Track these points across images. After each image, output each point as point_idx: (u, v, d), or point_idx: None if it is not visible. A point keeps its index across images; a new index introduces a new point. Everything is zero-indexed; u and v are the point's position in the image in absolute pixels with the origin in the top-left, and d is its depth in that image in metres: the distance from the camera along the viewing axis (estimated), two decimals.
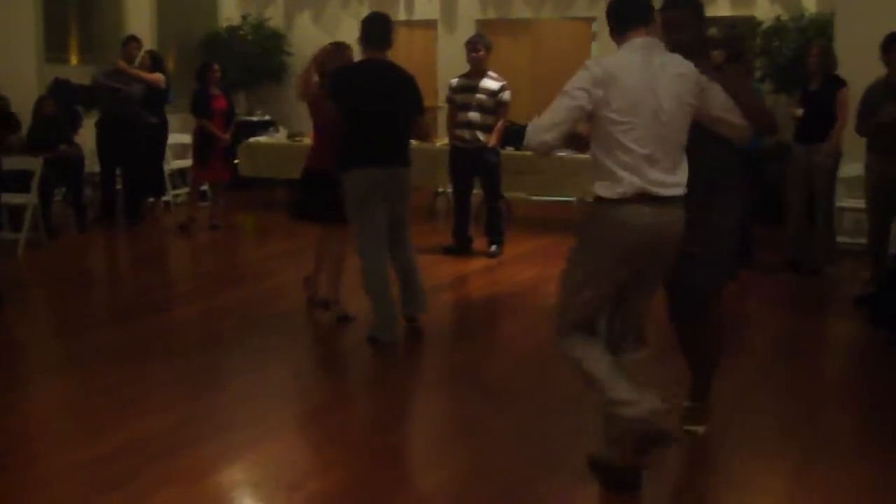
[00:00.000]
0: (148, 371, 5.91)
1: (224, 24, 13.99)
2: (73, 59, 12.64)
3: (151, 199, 11.45)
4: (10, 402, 5.43)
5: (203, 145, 10.48)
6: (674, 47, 4.26)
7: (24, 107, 10.24)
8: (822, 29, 10.56)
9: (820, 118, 8.27)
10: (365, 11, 13.54)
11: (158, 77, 11.02)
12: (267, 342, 6.56)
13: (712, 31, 11.81)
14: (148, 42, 12.29)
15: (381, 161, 6.34)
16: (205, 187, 11.11)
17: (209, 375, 5.89)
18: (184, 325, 7.08)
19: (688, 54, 4.23)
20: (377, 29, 6.45)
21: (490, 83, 9.07)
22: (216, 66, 10.71)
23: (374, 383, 6.01)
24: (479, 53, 9.10)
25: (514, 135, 10.11)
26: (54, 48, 12.01)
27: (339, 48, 7.01)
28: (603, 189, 4.06)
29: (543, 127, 4.04)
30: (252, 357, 6.28)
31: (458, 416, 5.37)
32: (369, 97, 6.35)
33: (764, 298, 7.91)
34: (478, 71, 9.11)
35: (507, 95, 9.09)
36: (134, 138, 10.75)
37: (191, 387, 5.63)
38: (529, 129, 4.08)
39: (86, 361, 6.10)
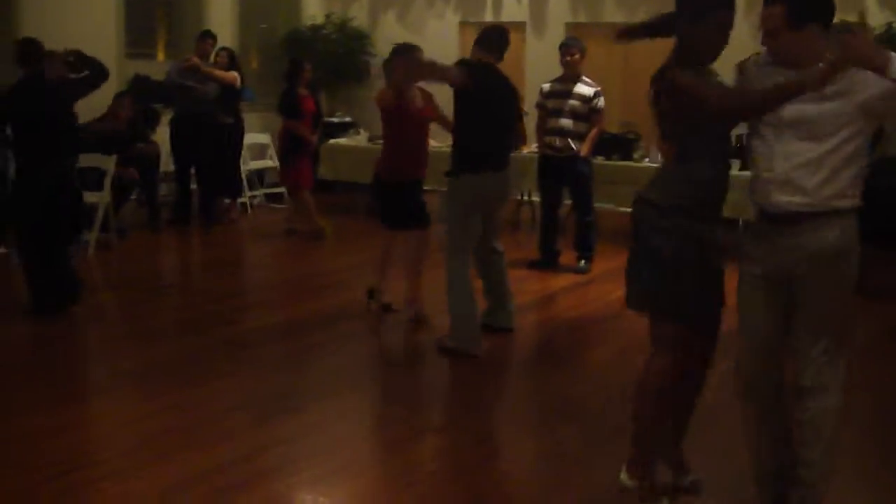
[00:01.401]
0: (216, 390, 5.54)
1: (307, 22, 13.63)
2: (160, 55, 12.44)
3: (228, 201, 11.12)
4: (71, 416, 5.12)
5: (292, 147, 10.07)
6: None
7: (103, 101, 9.95)
8: None
9: None
10: (451, 12, 13.42)
11: (233, 76, 10.67)
12: (343, 363, 6.14)
13: None
14: (229, 39, 12.03)
15: (496, 165, 6.33)
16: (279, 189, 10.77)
17: (281, 398, 5.45)
18: (255, 339, 6.65)
19: None
20: (502, 40, 6.48)
21: (584, 89, 8.58)
22: (308, 66, 10.27)
23: (459, 414, 5.53)
24: (573, 57, 8.61)
25: (608, 143, 9.68)
26: (139, 43, 11.79)
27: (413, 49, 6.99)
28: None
29: None
30: (327, 379, 5.86)
31: (552, 455, 4.88)
32: (494, 98, 6.34)
33: (881, 328, 7.30)
34: (571, 75, 8.62)
35: (601, 102, 8.59)
36: (208, 138, 10.42)
37: (261, 410, 5.22)
38: None
39: (151, 376, 5.75)
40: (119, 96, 10.08)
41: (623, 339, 6.73)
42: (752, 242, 3.83)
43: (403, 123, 6.90)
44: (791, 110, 3.54)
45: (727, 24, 3.77)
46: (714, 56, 3.81)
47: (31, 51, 6.92)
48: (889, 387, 5.98)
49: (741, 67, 3.84)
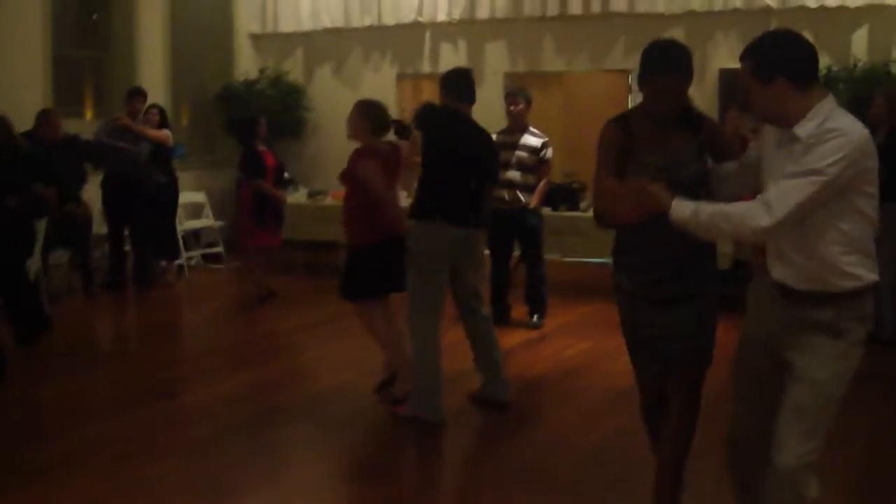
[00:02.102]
0: (160, 474, 5.13)
1: (241, 77, 13.34)
2: (88, 113, 12.08)
3: (164, 263, 10.73)
4: None
5: (260, 207, 9.64)
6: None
7: None
8: (875, 81, 9.86)
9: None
10: (387, 65, 13.21)
11: (165, 134, 10.34)
12: (292, 436, 5.81)
13: None
14: (161, 96, 11.70)
15: (455, 219, 5.92)
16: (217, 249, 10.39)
17: (228, 480, 5.09)
18: (198, 414, 6.24)
19: None
20: (468, 84, 6.19)
21: (531, 139, 8.38)
22: (262, 120, 9.88)
23: (425, 490, 5.21)
24: (518, 107, 8.41)
25: (553, 193, 9.50)
26: (66, 101, 11.41)
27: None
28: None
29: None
30: (277, 456, 5.52)
31: None
32: (462, 144, 6.02)
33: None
34: (517, 126, 8.42)
35: (549, 153, 8.41)
36: (141, 198, 10.05)
37: (208, 496, 4.86)
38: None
39: (89, 459, 5.33)
40: None
41: (584, 399, 6.49)
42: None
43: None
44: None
45: (666, 88, 3.92)
46: (664, 110, 3.96)
47: None
48: (864, 438, 5.77)
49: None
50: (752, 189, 3.80)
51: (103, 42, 12.29)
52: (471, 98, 6.17)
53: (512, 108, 8.42)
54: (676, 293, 3.99)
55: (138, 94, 10.37)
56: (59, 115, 9.77)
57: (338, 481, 5.26)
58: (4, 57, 10.55)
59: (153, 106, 10.54)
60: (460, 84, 6.15)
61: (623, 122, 4.05)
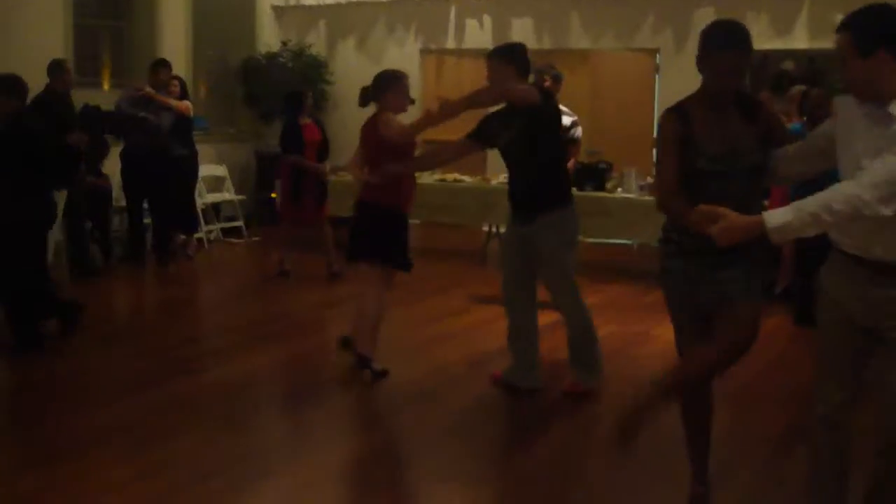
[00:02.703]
0: (184, 454, 5.01)
1: (263, 50, 13.18)
2: (105, 84, 11.95)
3: (183, 237, 10.60)
4: (27, 489, 4.56)
5: (297, 182, 9.53)
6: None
7: None
8: None
9: None
10: (412, 39, 13.03)
11: (187, 105, 10.19)
12: (315, 417, 5.67)
13: (788, 65, 11.07)
14: (182, 68, 11.55)
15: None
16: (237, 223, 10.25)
17: (254, 461, 4.97)
18: (219, 392, 6.11)
19: None
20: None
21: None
22: (309, 94, 9.74)
23: (449, 477, 5.05)
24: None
25: (579, 173, 9.34)
26: (84, 71, 11.29)
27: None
28: None
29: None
30: (301, 437, 5.39)
31: None
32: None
33: None
34: None
35: (578, 132, 8.27)
36: (162, 170, 9.88)
37: (234, 476, 4.73)
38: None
39: (111, 440, 5.20)
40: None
41: (615, 386, 6.30)
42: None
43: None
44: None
45: (730, 65, 3.80)
46: (727, 89, 3.85)
47: None
48: None
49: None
50: (817, 170, 3.69)
51: (125, 12, 12.16)
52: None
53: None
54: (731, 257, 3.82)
55: (163, 65, 10.19)
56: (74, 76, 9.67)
57: (365, 463, 5.09)
58: (26, 25, 10.43)
59: (174, 77, 10.38)
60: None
61: (680, 112, 3.88)
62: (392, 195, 6.19)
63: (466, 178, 10.52)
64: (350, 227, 6.43)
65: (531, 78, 6.25)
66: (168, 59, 10.66)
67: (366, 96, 6.39)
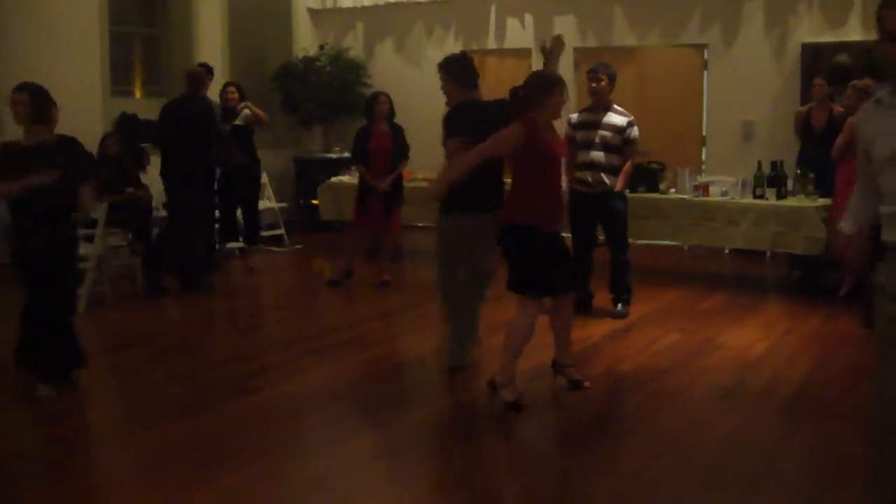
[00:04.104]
0: (241, 481, 4.72)
1: (300, 53, 12.96)
2: (138, 92, 11.78)
3: (243, 246, 10.31)
4: None
5: (362, 191, 9.31)
6: None
7: (88, 144, 9.21)
8: None
9: None
10: (452, 40, 12.75)
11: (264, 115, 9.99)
12: (381, 437, 5.41)
13: (843, 58, 10.72)
14: (219, 74, 11.34)
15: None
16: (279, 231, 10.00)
17: (319, 488, 4.69)
18: (277, 412, 5.82)
19: None
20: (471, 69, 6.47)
21: (616, 118, 7.91)
22: (381, 99, 9.39)
23: (523, 499, 4.77)
24: (599, 84, 7.95)
25: (633, 175, 9.03)
26: (117, 80, 11.11)
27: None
28: None
29: None
30: (366, 458, 5.11)
31: None
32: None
33: None
34: (601, 104, 7.95)
35: (635, 132, 7.93)
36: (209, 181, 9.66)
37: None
38: None
39: (156, 469, 4.93)
40: (107, 137, 9.37)
41: (686, 399, 5.99)
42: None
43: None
44: None
45: None
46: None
47: None
48: None
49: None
50: None
51: (161, 19, 11.98)
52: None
53: (594, 84, 7.96)
54: None
55: (208, 72, 9.97)
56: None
57: (434, 491, 4.81)
58: (62, 32, 10.28)
59: (230, 84, 10.15)
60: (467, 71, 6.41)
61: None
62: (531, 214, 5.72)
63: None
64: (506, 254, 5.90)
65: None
66: (206, 63, 10.43)
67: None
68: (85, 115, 9.88)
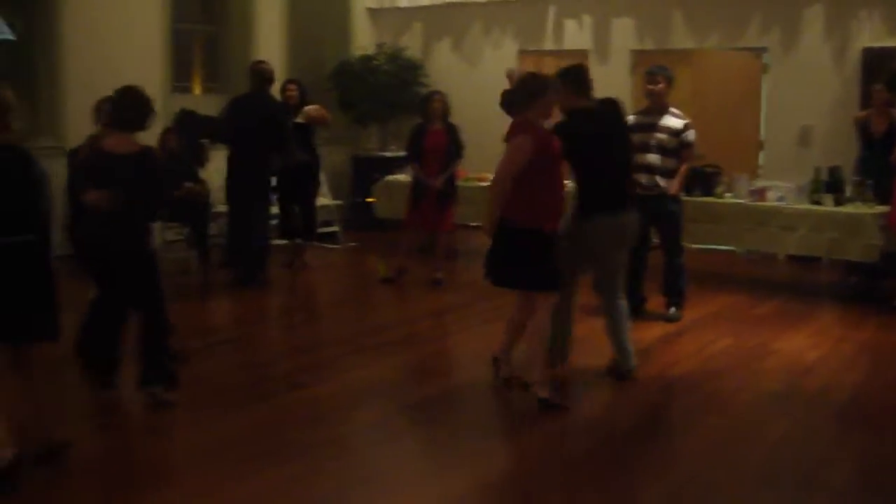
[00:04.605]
0: (291, 476, 4.79)
1: (357, 53, 13.04)
2: (196, 89, 11.93)
3: (299, 242, 10.40)
4: None
5: (416, 190, 9.41)
6: None
7: (149, 138, 9.34)
8: None
9: None
10: (509, 41, 12.78)
11: (325, 114, 10.11)
12: (435, 434, 5.46)
13: None
14: (277, 72, 11.35)
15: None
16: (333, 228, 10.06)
17: (371, 487, 4.74)
18: (329, 407, 5.90)
19: None
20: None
21: (672, 121, 7.89)
22: (436, 98, 9.47)
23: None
24: (658, 86, 7.94)
25: (695, 179, 9.03)
26: (179, 77, 11.27)
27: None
28: None
29: None
30: (422, 458, 5.18)
31: None
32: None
33: None
34: (657, 107, 7.93)
35: (691, 135, 7.91)
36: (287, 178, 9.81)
37: (359, 499, 4.53)
38: None
39: (207, 462, 5.00)
40: (166, 132, 9.49)
41: (738, 403, 6.00)
42: None
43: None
44: None
45: None
46: None
47: None
48: None
49: None
50: None
51: (220, 17, 12.12)
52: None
53: (651, 87, 7.94)
54: None
55: (291, 81, 10.14)
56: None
57: (483, 487, 4.83)
58: (125, 30, 10.46)
59: (291, 81, 10.21)
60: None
61: None
62: (528, 213, 5.80)
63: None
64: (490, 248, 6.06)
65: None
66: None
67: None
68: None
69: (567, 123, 6.17)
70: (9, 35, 9.65)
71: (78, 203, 6.11)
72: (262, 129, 9.16)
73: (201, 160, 9.91)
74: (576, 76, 6.32)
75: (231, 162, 9.41)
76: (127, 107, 5.71)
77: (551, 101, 5.86)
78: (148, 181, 5.62)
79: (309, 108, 9.94)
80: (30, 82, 10.18)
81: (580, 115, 6.16)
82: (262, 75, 9.43)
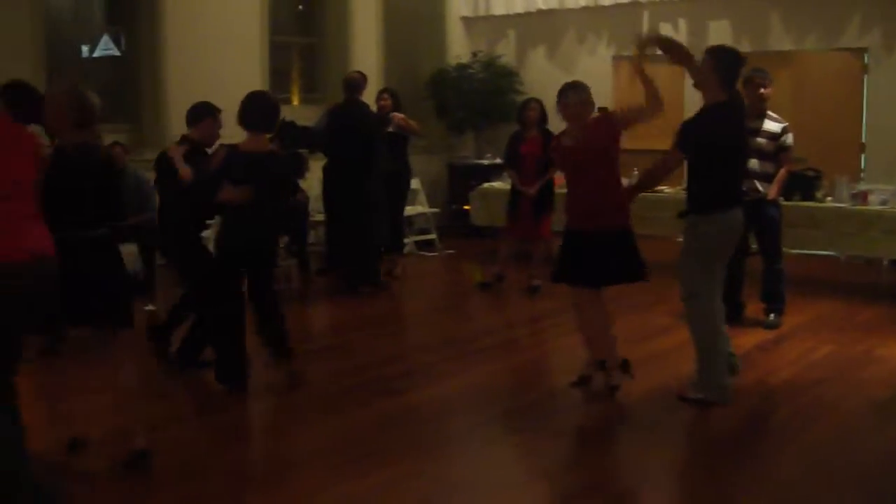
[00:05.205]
0: (385, 481, 4.86)
1: (453, 61, 13.14)
2: (295, 99, 12.13)
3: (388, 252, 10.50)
4: None
5: (512, 197, 9.47)
6: None
7: None
8: None
9: None
10: (603, 47, 12.75)
11: (415, 124, 10.20)
12: (531, 443, 5.47)
13: None
14: (373, 81, 11.55)
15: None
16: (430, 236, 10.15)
17: (464, 494, 4.79)
18: (424, 414, 5.96)
19: None
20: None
21: (771, 125, 7.80)
22: (532, 105, 9.49)
23: None
24: (767, 90, 7.84)
25: (788, 182, 8.87)
26: (277, 88, 11.47)
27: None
28: None
29: None
30: (514, 467, 5.21)
31: None
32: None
33: None
34: (756, 111, 7.83)
35: (790, 139, 7.81)
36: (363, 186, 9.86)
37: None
38: None
39: (300, 467, 5.12)
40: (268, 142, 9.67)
41: (841, 412, 5.89)
42: None
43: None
44: None
45: None
46: None
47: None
48: None
49: None
50: None
51: (317, 29, 12.32)
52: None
53: (762, 91, 7.81)
54: None
55: (384, 91, 10.27)
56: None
57: (591, 497, 4.81)
58: (225, 44, 10.69)
59: (385, 90, 10.33)
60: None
61: None
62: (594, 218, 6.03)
63: (665, 189, 10.15)
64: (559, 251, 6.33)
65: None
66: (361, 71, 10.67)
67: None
68: None
69: (711, 117, 5.96)
70: (114, 50, 9.96)
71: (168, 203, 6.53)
72: (356, 138, 9.29)
73: (301, 170, 10.09)
74: (733, 62, 6.07)
75: (328, 171, 9.55)
76: (254, 110, 6.21)
77: (563, 107, 6.15)
78: (276, 181, 6.27)
79: (394, 114, 10.03)
80: (134, 96, 10.49)
81: (721, 108, 5.97)
82: (349, 84, 9.56)
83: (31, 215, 4.21)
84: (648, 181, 6.31)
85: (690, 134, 5.92)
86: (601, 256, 6.03)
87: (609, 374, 6.16)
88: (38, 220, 4.26)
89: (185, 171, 6.37)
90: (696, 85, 6.07)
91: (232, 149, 6.18)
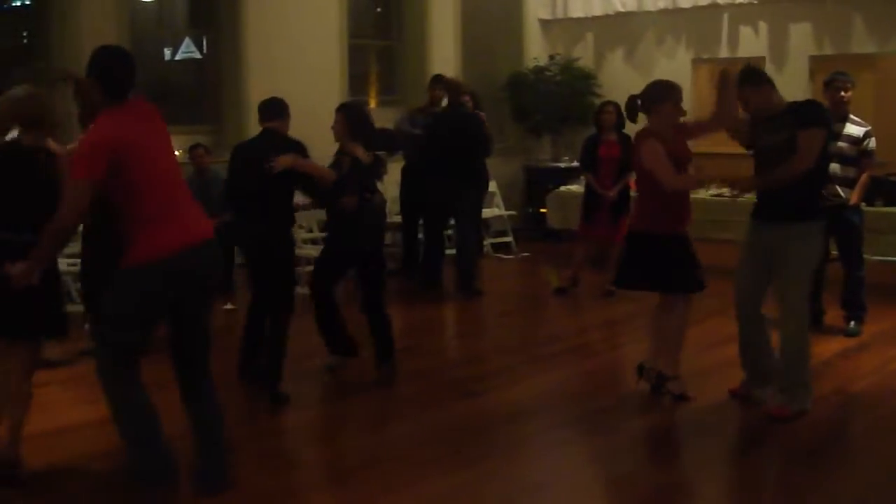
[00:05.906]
0: (464, 482, 4.91)
1: (530, 64, 13.15)
2: (373, 102, 12.23)
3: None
4: None
5: (588, 199, 9.49)
6: None
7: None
8: None
9: None
10: (683, 50, 12.66)
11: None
12: (609, 445, 5.48)
13: None
14: None
15: None
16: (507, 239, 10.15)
17: (543, 496, 4.81)
18: (501, 416, 5.96)
19: None
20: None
21: (853, 129, 7.68)
22: (607, 108, 9.48)
23: None
24: (848, 94, 7.73)
25: (870, 187, 8.74)
26: (356, 90, 11.59)
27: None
28: None
29: None
30: (592, 468, 5.22)
31: None
32: None
33: None
34: (839, 114, 7.71)
35: (872, 143, 7.69)
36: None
37: None
38: None
39: (380, 467, 5.15)
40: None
41: None
42: None
43: None
44: None
45: None
46: None
47: None
48: None
49: None
50: None
51: (395, 32, 12.41)
52: None
53: (843, 94, 7.71)
54: None
55: (440, 80, 10.22)
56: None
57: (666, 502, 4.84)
58: (304, 47, 10.82)
59: (465, 92, 10.34)
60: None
61: None
62: (662, 221, 5.98)
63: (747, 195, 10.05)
64: (622, 256, 6.40)
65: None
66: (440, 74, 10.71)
67: (634, 108, 6.18)
68: (327, 124, 10.32)
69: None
70: (196, 53, 10.13)
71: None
72: (463, 141, 9.37)
73: (379, 173, 10.14)
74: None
75: (412, 174, 9.62)
76: (357, 120, 6.76)
77: (669, 109, 6.02)
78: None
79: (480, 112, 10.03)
80: (215, 99, 10.67)
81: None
82: (449, 88, 9.71)
83: None
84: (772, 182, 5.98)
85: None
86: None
87: (673, 383, 6.13)
88: None
89: (328, 172, 6.55)
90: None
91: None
